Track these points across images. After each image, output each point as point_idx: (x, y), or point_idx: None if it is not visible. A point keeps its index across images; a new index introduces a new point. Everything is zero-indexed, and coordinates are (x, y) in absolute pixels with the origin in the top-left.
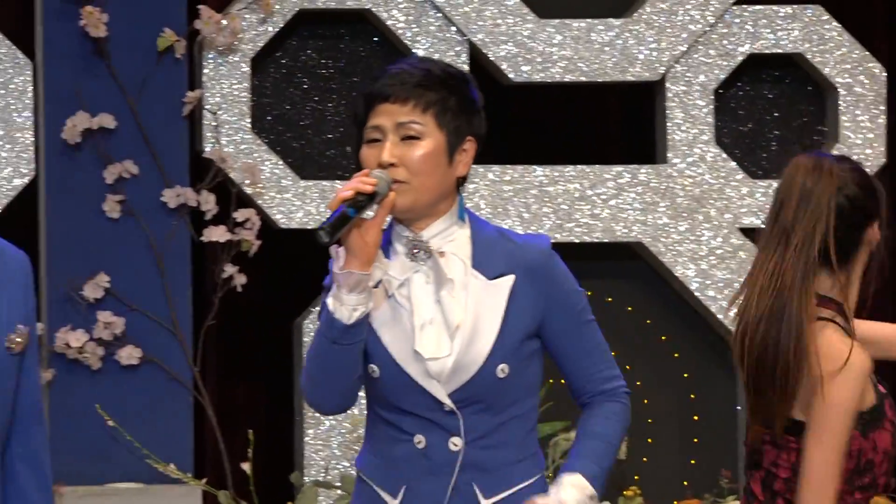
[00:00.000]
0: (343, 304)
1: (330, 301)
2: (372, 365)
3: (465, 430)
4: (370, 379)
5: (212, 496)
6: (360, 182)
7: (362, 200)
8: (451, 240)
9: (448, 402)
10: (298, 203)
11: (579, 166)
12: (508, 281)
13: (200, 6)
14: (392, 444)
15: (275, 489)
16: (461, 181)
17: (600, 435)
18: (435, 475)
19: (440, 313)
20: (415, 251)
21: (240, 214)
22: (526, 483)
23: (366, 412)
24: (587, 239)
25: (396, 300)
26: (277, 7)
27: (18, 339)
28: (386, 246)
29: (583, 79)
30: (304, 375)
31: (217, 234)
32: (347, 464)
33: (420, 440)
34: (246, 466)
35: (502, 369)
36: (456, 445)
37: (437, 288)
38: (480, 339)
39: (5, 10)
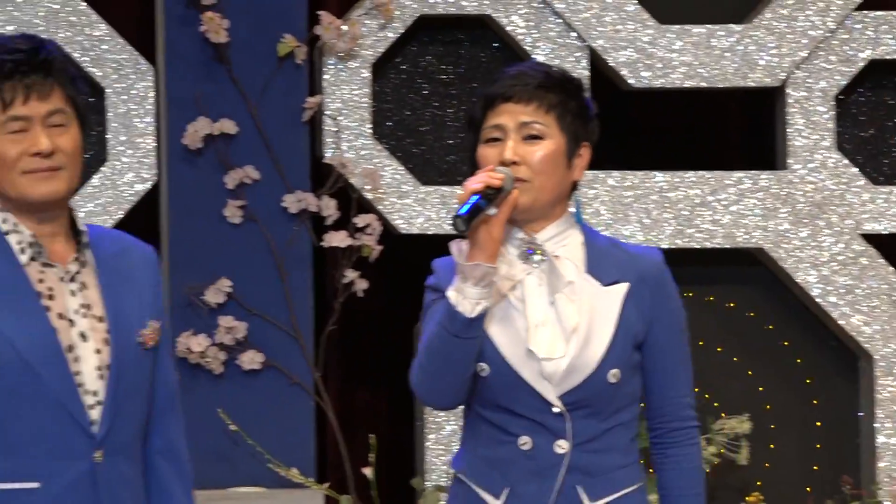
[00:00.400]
0: (466, 298)
1: (452, 294)
2: (481, 363)
3: (573, 433)
4: (477, 378)
5: (334, 500)
6: (489, 176)
7: (491, 194)
8: (564, 244)
9: (558, 403)
10: (419, 208)
11: (700, 172)
12: (623, 288)
13: (321, 12)
14: (495, 446)
15: (396, 494)
16: (574, 186)
17: (692, 497)
18: (539, 477)
19: (554, 315)
20: (529, 253)
21: (360, 220)
22: (630, 489)
23: (463, 414)
24: (708, 245)
25: (509, 300)
26: (398, 13)
27: (150, 334)
28: None
29: (703, 84)
30: (418, 370)
31: (338, 239)
32: None
33: (525, 442)
34: (367, 471)
35: (614, 374)
36: (562, 448)
37: (551, 290)
38: (594, 344)
39: (127, 16)
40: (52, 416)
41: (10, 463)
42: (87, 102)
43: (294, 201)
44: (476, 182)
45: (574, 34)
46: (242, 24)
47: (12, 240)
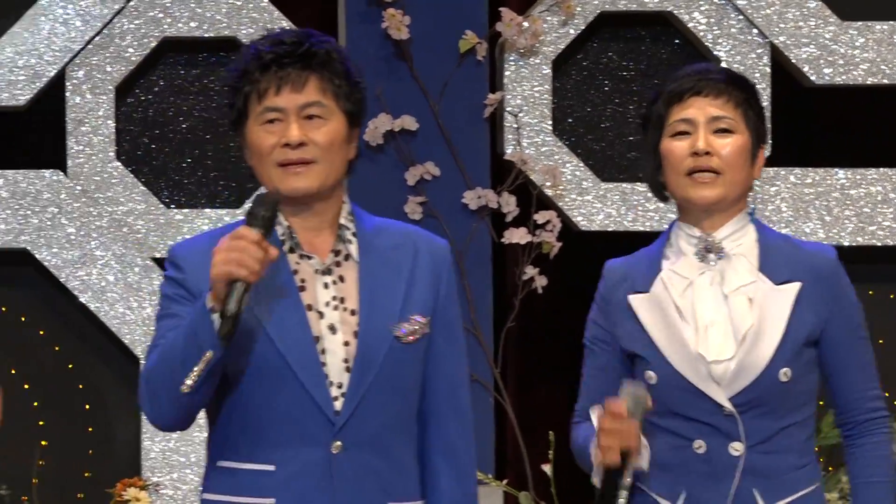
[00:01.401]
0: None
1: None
2: (649, 372)
3: (746, 434)
4: (647, 387)
5: (512, 497)
6: (611, 455)
7: (615, 470)
8: (739, 242)
9: (728, 405)
10: (599, 205)
11: (882, 169)
12: (794, 287)
13: (502, 9)
14: (669, 451)
15: (575, 491)
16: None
17: (880, 484)
18: (715, 481)
19: (726, 315)
20: (707, 251)
21: (540, 216)
22: (806, 490)
23: None
24: (889, 242)
25: (675, 302)
26: (579, 9)
27: (413, 329)
28: (662, 248)
29: (885, 81)
30: None
31: (518, 235)
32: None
33: (700, 445)
34: (547, 468)
35: (785, 373)
36: (737, 450)
37: (723, 289)
38: (764, 343)
39: (309, 13)
40: (296, 404)
41: (252, 444)
42: (361, 98)
43: (474, 198)
44: (607, 453)
45: (755, 31)
46: (424, 20)
47: (277, 230)
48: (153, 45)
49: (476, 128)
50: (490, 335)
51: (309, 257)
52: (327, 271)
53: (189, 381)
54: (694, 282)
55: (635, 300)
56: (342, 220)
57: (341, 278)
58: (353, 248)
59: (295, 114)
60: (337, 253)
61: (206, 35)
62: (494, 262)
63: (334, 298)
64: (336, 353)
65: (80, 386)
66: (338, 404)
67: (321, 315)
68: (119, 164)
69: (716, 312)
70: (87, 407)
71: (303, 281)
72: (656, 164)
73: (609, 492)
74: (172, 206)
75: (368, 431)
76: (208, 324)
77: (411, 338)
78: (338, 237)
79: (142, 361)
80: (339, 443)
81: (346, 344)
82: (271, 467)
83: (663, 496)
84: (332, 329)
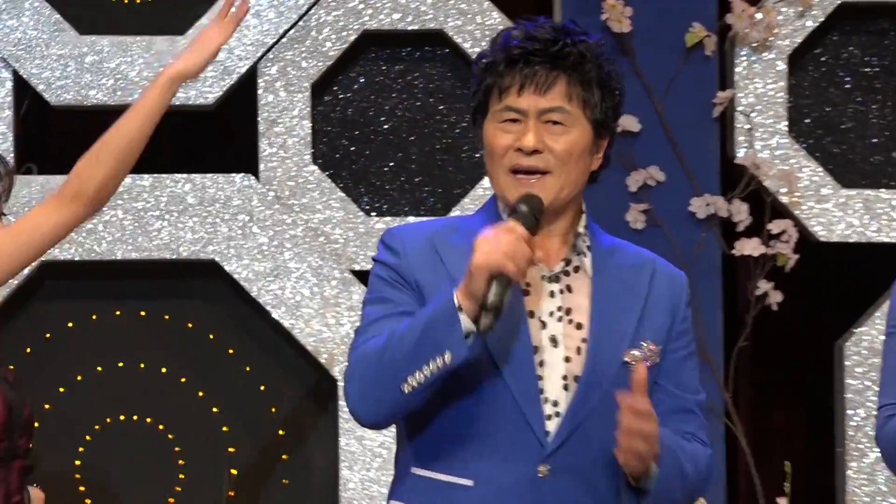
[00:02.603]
0: None
1: None
2: None
3: None
4: None
5: None
6: None
7: None
8: None
9: None
10: (839, 214)
11: None
12: None
13: None
14: None
15: None
16: None
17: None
18: None
19: None
20: None
21: (775, 226)
22: None
23: None
24: None
25: None
26: (816, 0)
27: (642, 356)
28: None
29: None
30: None
31: (750, 247)
32: None
33: None
34: (782, 501)
35: None
36: None
37: None
38: None
39: (523, 4)
40: (506, 417)
41: (452, 455)
42: (614, 106)
43: (702, 205)
44: None
45: None
46: (647, 12)
47: None
48: (353, 38)
49: (704, 129)
50: (720, 356)
51: (534, 263)
52: (555, 279)
53: (414, 382)
54: None
55: None
56: (580, 230)
57: (569, 288)
58: (587, 262)
59: (535, 117)
60: (567, 262)
61: (409, 28)
62: (724, 276)
63: (559, 309)
64: (555, 368)
65: (273, 409)
66: (551, 424)
67: (543, 325)
68: (315, 167)
69: None
70: (281, 433)
71: (527, 285)
72: None
73: None
74: (373, 213)
75: (580, 459)
76: (454, 323)
77: (637, 364)
78: (572, 247)
79: (340, 383)
80: (547, 466)
81: (567, 360)
82: (469, 482)
83: None
84: (554, 341)
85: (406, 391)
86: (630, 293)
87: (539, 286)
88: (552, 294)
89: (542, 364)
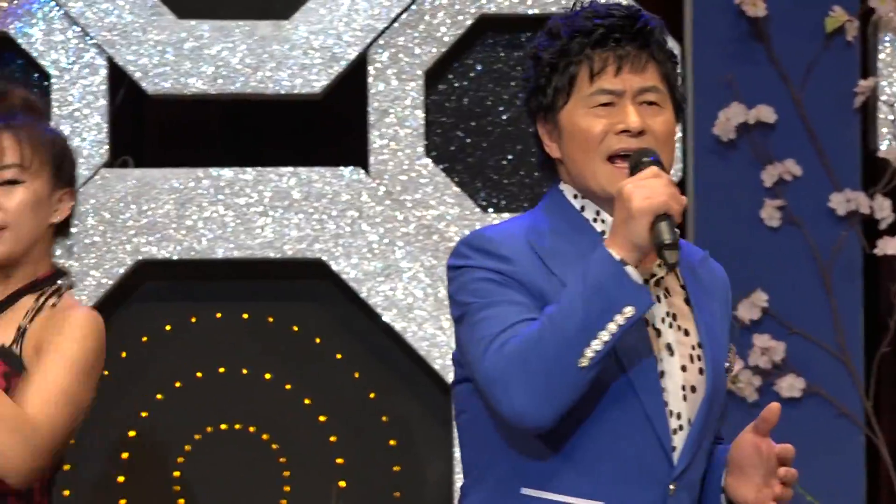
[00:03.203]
0: None
1: None
2: None
3: None
4: None
5: None
6: None
7: None
8: None
9: None
10: None
11: None
12: None
13: None
14: None
15: None
16: None
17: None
18: None
19: None
20: None
21: None
22: None
23: None
24: None
25: None
26: None
27: (732, 359)
28: None
29: None
30: None
31: (893, 245)
32: None
33: None
34: None
35: None
36: None
37: None
38: None
39: None
40: (634, 432)
41: (579, 475)
42: (680, 86)
43: (842, 201)
44: None
45: None
46: None
47: (597, 226)
48: (469, 23)
49: (845, 120)
50: (860, 362)
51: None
52: (657, 282)
53: (591, 353)
54: None
55: None
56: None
57: (668, 291)
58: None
59: (631, 98)
60: (659, 264)
61: (529, 12)
62: (866, 277)
63: (668, 314)
64: (674, 378)
65: (384, 419)
66: (677, 439)
67: (658, 332)
68: (429, 161)
69: None
70: (392, 443)
71: None
72: None
73: None
74: (490, 209)
75: (695, 476)
76: (622, 277)
77: (732, 370)
78: None
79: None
80: (675, 484)
81: (684, 369)
82: None
83: None
84: (670, 350)
85: (583, 366)
86: (708, 293)
87: None
88: (658, 299)
89: (662, 374)
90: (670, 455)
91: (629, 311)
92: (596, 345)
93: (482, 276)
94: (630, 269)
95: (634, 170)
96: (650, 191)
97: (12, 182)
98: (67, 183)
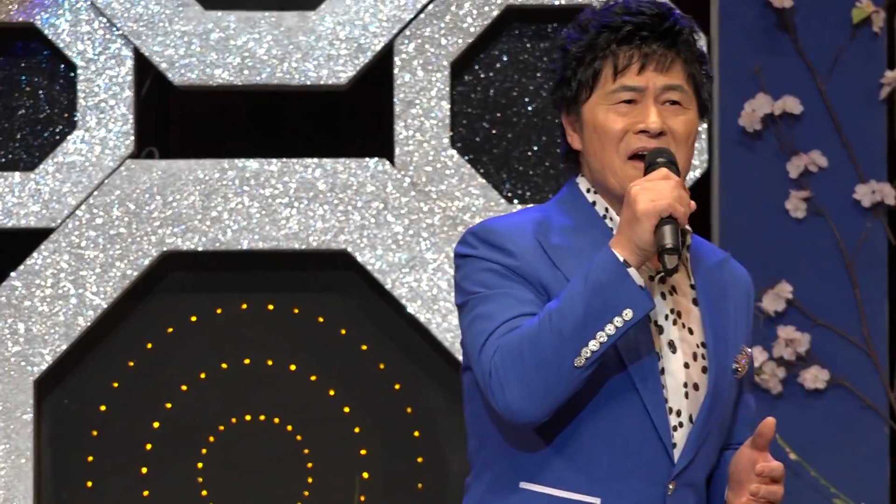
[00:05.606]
0: None
1: None
2: None
3: None
4: None
5: None
6: None
7: None
8: None
9: None
10: None
11: None
12: None
13: None
14: None
15: None
16: None
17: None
18: None
19: None
20: None
21: None
22: None
23: None
24: None
25: None
26: None
27: (743, 360)
28: None
29: None
30: None
31: None
32: None
33: None
34: None
35: None
36: None
37: None
38: None
39: None
40: (633, 427)
41: (577, 470)
42: (708, 86)
43: (867, 192)
44: None
45: None
46: None
47: (608, 223)
48: (495, 13)
49: (871, 111)
50: (885, 354)
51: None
52: (662, 279)
53: (587, 353)
54: None
55: None
56: (685, 225)
57: (674, 290)
58: (686, 256)
59: (653, 96)
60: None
61: (556, 2)
62: (891, 268)
63: (672, 312)
64: (675, 375)
65: (409, 410)
66: (677, 436)
67: (660, 329)
68: (454, 152)
69: None
70: (417, 434)
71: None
72: None
73: None
74: (516, 200)
75: (697, 474)
76: (624, 278)
77: (742, 372)
78: None
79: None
80: (673, 483)
81: (686, 366)
82: (596, 500)
83: None
84: (672, 346)
85: (579, 365)
86: (723, 295)
87: (649, 287)
88: (663, 296)
89: (663, 371)
90: (670, 452)
91: (628, 313)
92: (593, 345)
93: (486, 268)
94: (632, 272)
95: (648, 170)
96: (656, 193)
97: None
98: None
